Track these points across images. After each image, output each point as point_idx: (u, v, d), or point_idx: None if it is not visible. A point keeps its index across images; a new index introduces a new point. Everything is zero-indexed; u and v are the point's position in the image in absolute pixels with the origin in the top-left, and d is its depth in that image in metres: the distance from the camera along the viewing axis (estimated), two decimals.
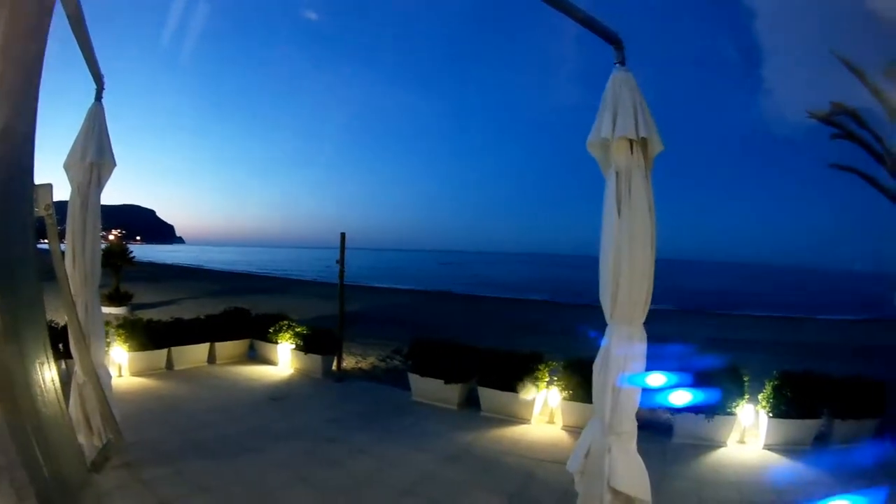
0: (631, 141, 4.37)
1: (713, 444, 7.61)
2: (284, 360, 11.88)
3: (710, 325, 27.81)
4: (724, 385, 7.69)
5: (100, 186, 6.19)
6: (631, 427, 4.54)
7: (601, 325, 4.64)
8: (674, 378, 7.54)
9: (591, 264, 4.78)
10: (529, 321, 26.02)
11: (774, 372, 8.03)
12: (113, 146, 6.30)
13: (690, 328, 23.75)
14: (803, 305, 46.52)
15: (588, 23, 4.51)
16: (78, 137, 6.07)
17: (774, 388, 7.75)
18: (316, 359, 11.31)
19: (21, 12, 1.44)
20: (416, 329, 14.83)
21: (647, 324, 4.52)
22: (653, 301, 4.52)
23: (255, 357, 12.50)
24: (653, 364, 4.62)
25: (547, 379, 8.70)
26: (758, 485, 6.50)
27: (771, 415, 7.64)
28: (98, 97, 6.21)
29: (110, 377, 6.62)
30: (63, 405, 1.68)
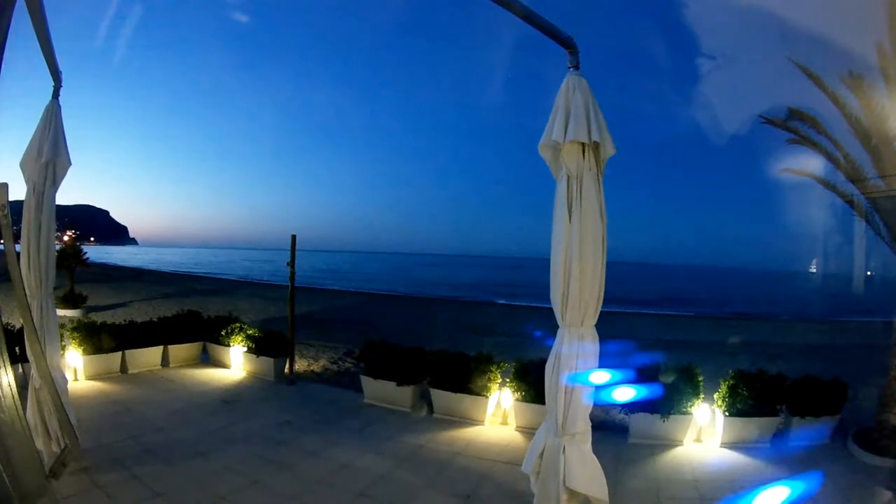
0: (583, 145, 4.43)
1: (670, 444, 7.69)
2: (237, 362, 11.78)
3: (664, 326, 28.20)
4: (679, 385, 7.79)
5: (55, 186, 6.10)
6: (584, 427, 4.61)
7: (554, 327, 4.69)
8: (627, 378, 7.64)
9: (543, 266, 4.82)
10: (481, 323, 26.09)
11: (729, 371, 8.14)
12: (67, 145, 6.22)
13: (644, 329, 24.01)
14: (757, 304, 47.45)
15: (543, 27, 4.55)
16: (34, 135, 5.96)
17: (729, 388, 7.86)
18: (268, 361, 11.23)
19: None
20: (368, 331, 14.81)
21: (600, 325, 4.59)
22: (606, 303, 4.59)
23: (207, 360, 12.37)
24: (605, 364, 4.70)
25: (499, 380, 8.77)
26: (715, 482, 6.58)
27: (727, 413, 7.75)
28: (55, 95, 6.12)
29: (66, 381, 6.52)
30: (20, 411, 1.66)
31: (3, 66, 1.60)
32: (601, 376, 4.83)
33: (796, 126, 9.01)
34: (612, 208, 4.60)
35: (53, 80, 6.07)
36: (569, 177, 4.49)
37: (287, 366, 11.39)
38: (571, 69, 4.64)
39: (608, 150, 4.52)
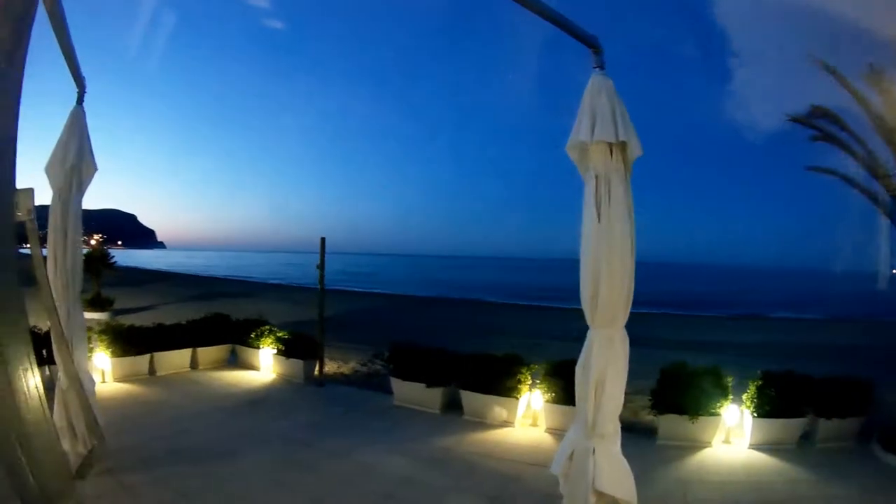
0: (610, 145, 4.38)
1: (698, 445, 7.61)
2: (266, 365, 11.80)
3: (692, 326, 27.95)
4: (708, 385, 7.71)
5: (80, 191, 6.15)
6: (614, 429, 4.56)
7: (583, 329, 4.66)
8: (655, 379, 7.57)
9: (572, 267, 4.78)
10: (510, 325, 26.00)
11: (758, 372, 8.05)
12: (94, 150, 6.27)
13: (672, 330, 23.85)
14: (784, 305, 47.00)
15: (567, 27, 4.52)
16: (59, 141, 6.01)
17: (758, 389, 7.76)
18: (297, 363, 11.24)
19: (5, 17, 1.44)
20: (397, 333, 14.83)
21: (629, 326, 4.54)
22: (634, 304, 4.54)
23: (236, 362, 12.41)
24: (633, 365, 4.64)
25: (529, 382, 8.70)
26: (742, 484, 6.51)
27: (755, 415, 7.66)
28: (79, 100, 6.17)
29: (93, 383, 6.57)
30: (47, 412, 1.67)
31: (25, 72, 1.61)
32: (629, 377, 4.80)
33: (820, 123, 8.92)
34: (639, 208, 4.56)
35: (77, 86, 6.12)
36: (597, 177, 4.44)
37: (316, 368, 11.40)
38: (596, 69, 4.60)
39: (635, 150, 4.46)
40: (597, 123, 4.35)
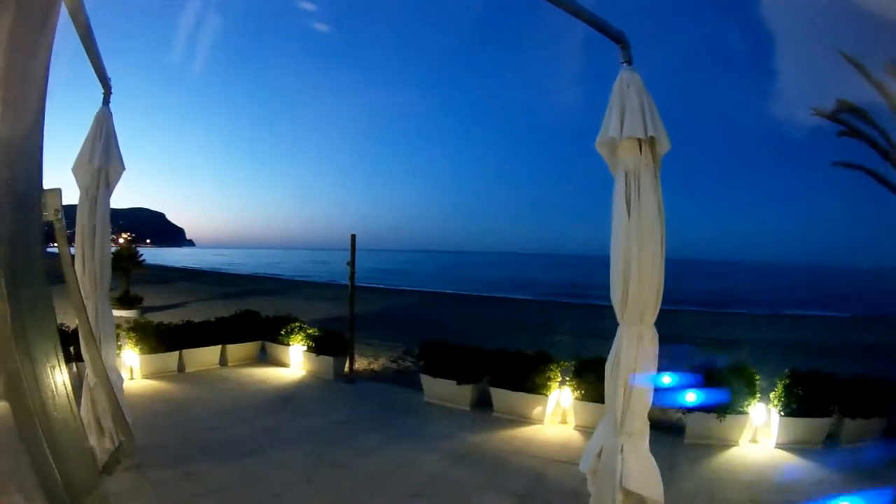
0: (639, 140, 4.35)
1: (725, 444, 7.57)
2: (296, 361, 11.88)
3: (721, 324, 27.69)
4: (735, 384, 7.66)
5: (108, 190, 6.21)
6: (643, 427, 4.53)
7: (612, 326, 4.63)
8: (685, 378, 7.53)
9: (603, 264, 4.76)
10: (540, 321, 25.94)
11: (786, 370, 7.98)
12: (122, 149, 6.32)
13: (700, 328, 23.67)
14: (812, 303, 46.48)
15: (594, 22, 4.49)
16: (85, 142, 6.08)
17: (785, 387, 7.71)
18: (327, 360, 11.30)
19: (25, 15, 1.44)
20: (427, 330, 14.83)
21: (658, 323, 4.51)
22: (663, 301, 4.51)
23: (265, 359, 12.50)
24: (664, 363, 4.61)
25: (559, 379, 8.67)
26: (769, 484, 6.46)
27: (782, 413, 7.60)
28: (105, 101, 6.23)
29: (122, 380, 6.65)
30: (75, 409, 1.68)
31: (51, 73, 1.62)
32: (660, 375, 4.77)
33: (845, 118, 8.81)
34: (671, 205, 4.52)
35: (103, 87, 6.17)
36: (626, 173, 4.41)
37: (347, 364, 11.46)
38: (624, 64, 4.57)
39: (664, 145, 4.42)
40: (626, 119, 4.31)
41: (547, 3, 4.23)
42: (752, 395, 7.72)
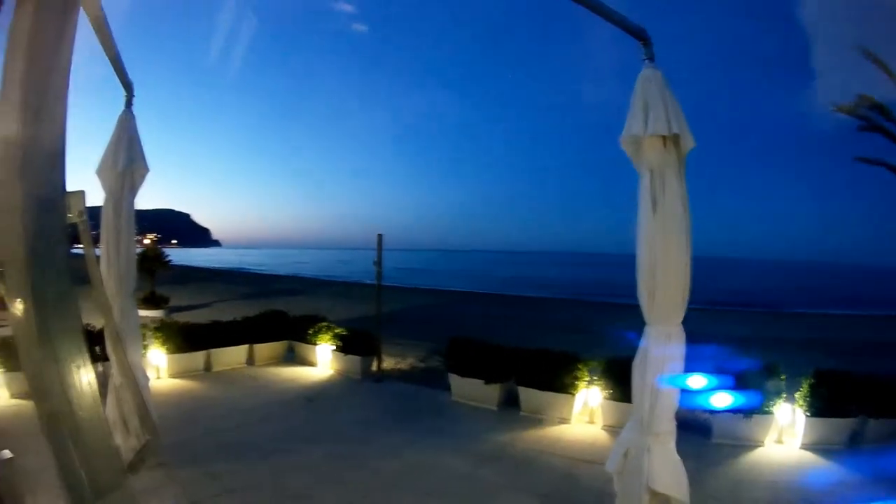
0: (664, 138, 4.33)
1: (751, 444, 7.51)
2: (323, 361, 11.89)
3: (747, 323, 27.44)
4: (762, 384, 7.59)
5: (133, 192, 6.27)
6: (670, 427, 4.50)
7: (640, 325, 4.62)
8: (712, 377, 7.48)
9: (630, 262, 4.73)
10: (567, 320, 25.87)
11: (811, 370, 7.90)
12: (146, 151, 6.38)
13: (727, 326, 23.45)
14: (839, 302, 46.01)
15: (615, 19, 4.48)
16: (109, 144, 6.14)
17: (811, 387, 7.63)
18: (355, 360, 11.31)
19: (45, 21, 1.47)
20: (454, 329, 14.86)
21: (684, 323, 4.48)
22: (689, 300, 4.49)
23: (293, 359, 12.53)
24: (690, 363, 4.58)
25: (587, 378, 8.64)
26: (792, 486, 6.40)
27: (808, 414, 7.53)
28: (128, 104, 6.29)
29: (148, 379, 6.72)
30: (100, 407, 1.70)
31: (71, 77, 1.64)
32: (687, 374, 4.75)
33: (866, 113, 8.70)
34: (693, 202, 4.50)
35: (125, 90, 6.23)
36: (651, 171, 4.40)
37: (374, 364, 11.47)
38: (646, 61, 4.55)
39: (688, 142, 4.40)
40: (650, 116, 4.29)
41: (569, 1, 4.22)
42: (778, 395, 7.65)
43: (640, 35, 4.57)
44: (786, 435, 7.70)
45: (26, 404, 7.77)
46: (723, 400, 7.43)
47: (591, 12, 4.38)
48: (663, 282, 4.32)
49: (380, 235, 11.64)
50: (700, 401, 7.14)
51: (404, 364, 13.07)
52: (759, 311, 37.69)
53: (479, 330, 16.82)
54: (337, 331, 11.85)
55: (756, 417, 7.56)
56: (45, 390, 1.54)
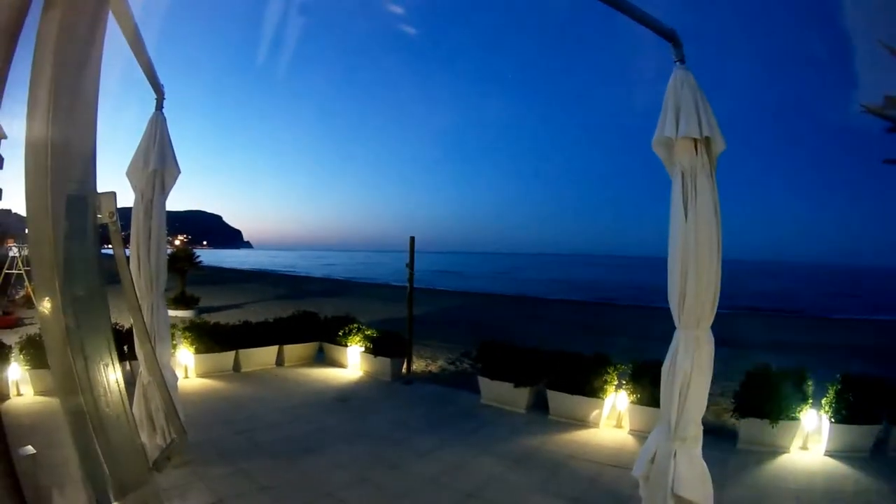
0: (695, 140, 4.31)
1: (776, 451, 7.42)
2: (353, 362, 11.93)
3: (773, 327, 27.17)
4: (788, 389, 7.52)
5: (164, 193, 6.34)
6: (696, 432, 4.47)
7: (669, 329, 4.60)
8: (738, 381, 7.40)
9: (662, 265, 4.72)
10: (596, 323, 25.77)
11: (837, 376, 7.80)
12: (179, 153, 6.45)
13: (754, 331, 23.21)
14: (868, 307, 45.41)
15: (645, 21, 4.46)
16: (139, 146, 6.22)
17: (837, 393, 7.54)
18: (385, 361, 11.32)
19: (73, 24, 1.49)
20: (486, 332, 14.82)
21: (712, 326, 4.46)
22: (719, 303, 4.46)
23: (323, 360, 12.57)
24: (718, 367, 4.55)
25: (616, 382, 8.61)
26: (816, 493, 6.32)
27: (833, 420, 7.43)
28: (158, 106, 6.35)
29: (176, 378, 6.78)
30: (127, 405, 1.73)
31: (100, 80, 1.67)
32: (714, 379, 4.72)
33: (894, 114, 8.53)
34: (724, 205, 4.47)
35: (155, 93, 6.30)
36: (683, 174, 4.38)
37: (404, 366, 11.51)
38: (677, 63, 4.53)
39: (719, 145, 4.38)
40: (681, 118, 4.28)
41: (601, 2, 4.22)
42: (805, 400, 7.57)
43: (670, 36, 4.55)
44: (811, 441, 7.61)
45: (50, 401, 7.88)
46: (746, 402, 7.38)
47: (621, 13, 4.37)
48: (694, 286, 4.30)
49: (412, 238, 11.69)
50: (719, 399, 7.09)
51: (434, 366, 13.07)
52: (789, 314, 37.33)
53: (510, 332, 16.79)
54: (367, 332, 11.88)
55: (782, 423, 7.47)
56: (72, 388, 1.56)
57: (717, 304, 4.39)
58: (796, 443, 7.55)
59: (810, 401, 7.61)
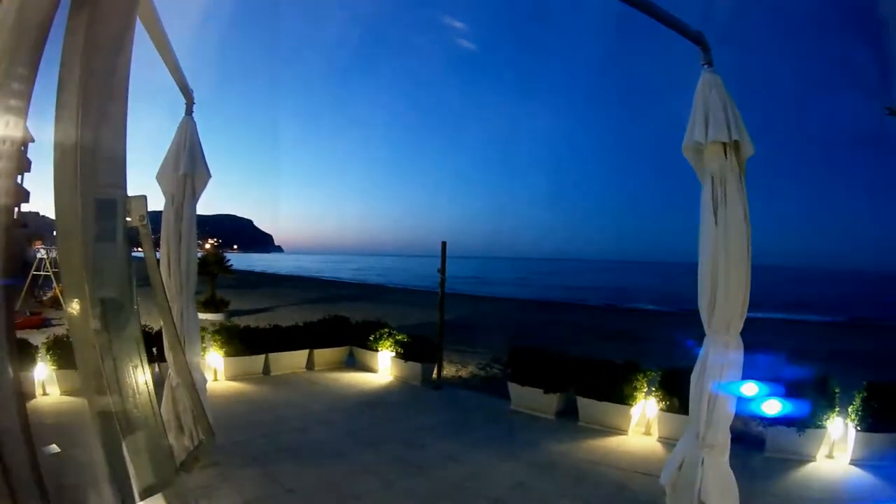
0: (724, 145, 4.28)
1: (803, 459, 7.35)
2: (384, 367, 11.95)
3: (800, 332, 26.86)
4: (815, 397, 7.44)
5: (195, 197, 6.41)
6: (724, 439, 4.43)
7: (697, 335, 4.57)
8: (766, 389, 7.32)
9: (689, 271, 4.69)
10: (627, 329, 25.64)
11: (864, 383, 7.69)
12: (209, 157, 6.52)
13: (781, 337, 22.93)
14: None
15: (673, 24, 4.43)
16: (169, 150, 6.30)
17: (863, 401, 7.44)
18: (415, 366, 11.34)
19: (102, 26, 1.51)
20: (515, 337, 14.79)
21: (741, 332, 4.42)
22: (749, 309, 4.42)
23: (353, 364, 12.61)
24: (746, 374, 4.50)
25: (645, 389, 8.56)
26: (842, 503, 6.28)
27: (859, 428, 7.34)
28: (188, 111, 6.43)
29: (205, 381, 6.84)
30: (155, 407, 1.75)
31: (130, 81, 1.69)
32: (744, 386, 4.67)
33: None
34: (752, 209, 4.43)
35: (185, 97, 6.37)
36: (713, 179, 4.36)
37: (435, 371, 11.50)
38: (705, 66, 4.51)
39: (747, 149, 4.35)
40: (710, 123, 4.26)
41: (633, 7, 4.20)
42: (831, 408, 7.49)
43: (697, 40, 4.53)
44: (836, 450, 7.54)
45: (77, 401, 7.98)
46: (775, 409, 7.29)
47: (648, 16, 4.36)
48: (724, 291, 4.27)
49: (443, 243, 11.69)
50: (747, 407, 7.02)
51: (464, 371, 13.07)
52: (815, 320, 36.90)
53: (540, 338, 16.73)
54: (398, 337, 11.89)
55: (809, 431, 7.40)
56: (100, 388, 1.58)
57: (746, 309, 4.35)
58: (822, 451, 7.48)
59: (837, 408, 7.53)
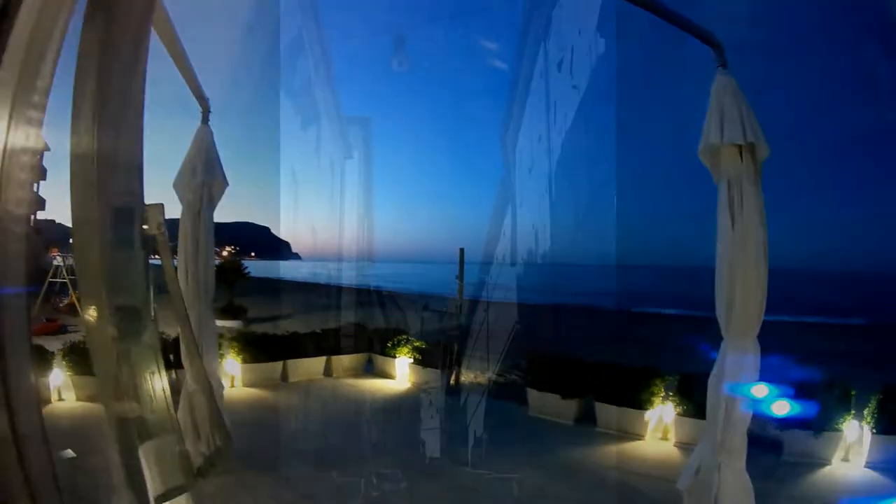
0: (739, 147, 4.26)
1: (818, 462, 7.33)
2: (402, 373, 11.92)
3: (820, 335, 26.60)
4: (831, 399, 7.42)
5: (212, 205, 6.46)
6: (741, 444, 4.41)
7: (714, 339, 4.55)
8: (782, 392, 7.28)
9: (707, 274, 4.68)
10: (644, 334, 25.49)
11: (880, 385, 7.64)
12: (225, 165, 6.57)
13: (798, 339, 22.74)
14: None
15: (686, 26, 4.43)
16: (186, 158, 6.35)
17: (879, 403, 7.39)
18: (433, 373, 11.34)
19: (117, 33, 1.52)
20: (534, 343, 14.76)
21: (758, 336, 4.39)
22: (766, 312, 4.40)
23: (371, 371, 12.60)
24: (763, 377, 4.48)
25: (662, 394, 8.52)
26: None
27: (874, 431, 7.29)
28: (204, 119, 6.48)
29: (222, 387, 6.87)
30: (172, 413, 1.75)
31: (146, 89, 1.70)
32: (761, 390, 4.64)
33: None
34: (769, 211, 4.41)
35: (201, 106, 6.42)
36: (729, 181, 4.35)
37: (453, 377, 11.53)
38: (719, 67, 4.49)
39: (763, 151, 4.33)
40: (725, 125, 4.25)
41: (646, 10, 4.20)
42: (847, 411, 7.44)
43: (709, 40, 4.51)
44: (852, 453, 7.48)
45: (92, 406, 8.07)
46: (783, 409, 7.27)
47: (660, 18, 4.35)
48: (741, 295, 4.26)
49: (461, 250, 11.72)
50: (769, 414, 6.98)
51: (483, 377, 13.04)
52: (831, 322, 36.61)
53: (559, 343, 16.67)
54: (416, 343, 11.89)
55: (825, 435, 7.37)
56: (117, 394, 1.59)
57: (763, 312, 4.33)
58: (838, 454, 7.45)
59: (853, 411, 7.48)
